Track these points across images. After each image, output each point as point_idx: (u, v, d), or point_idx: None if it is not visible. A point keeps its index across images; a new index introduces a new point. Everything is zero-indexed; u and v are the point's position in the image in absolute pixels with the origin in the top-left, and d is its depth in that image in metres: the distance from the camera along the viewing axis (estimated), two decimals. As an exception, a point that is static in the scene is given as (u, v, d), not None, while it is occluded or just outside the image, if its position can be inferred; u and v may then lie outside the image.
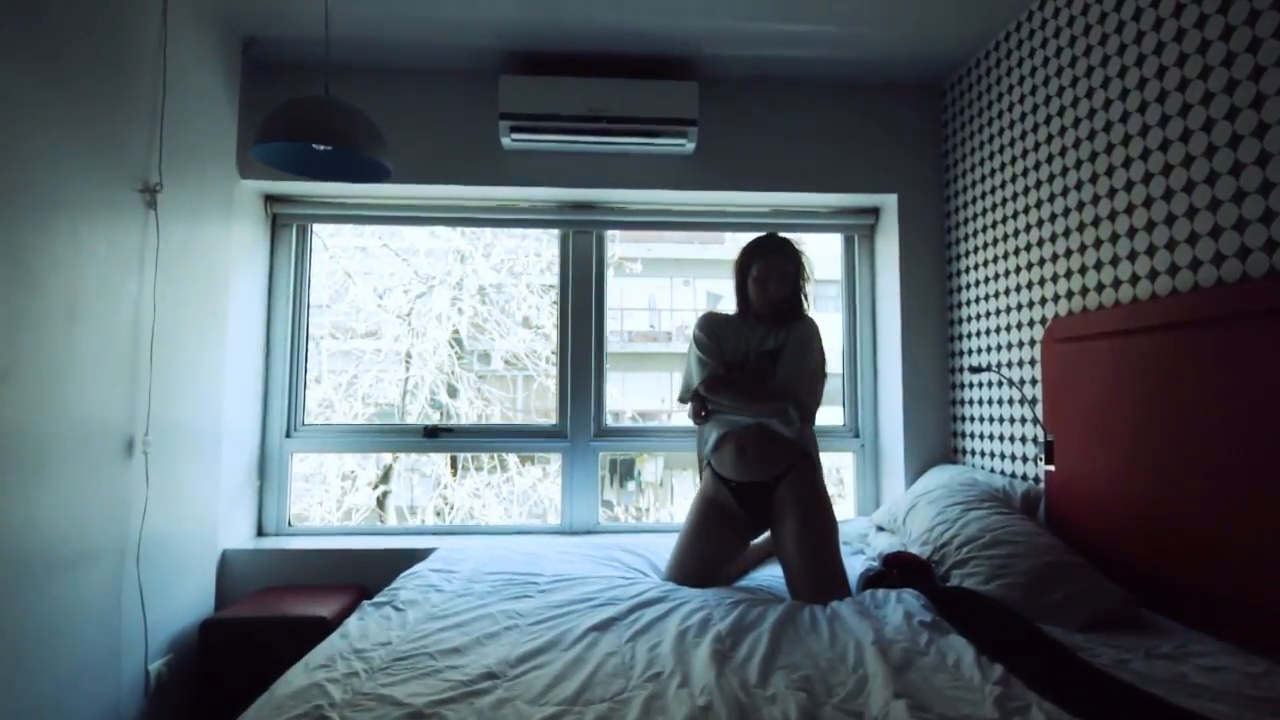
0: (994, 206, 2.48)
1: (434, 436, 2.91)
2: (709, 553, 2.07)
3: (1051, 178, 2.17)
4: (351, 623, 1.54)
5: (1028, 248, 2.29)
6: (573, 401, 2.92)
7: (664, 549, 2.37)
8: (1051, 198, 2.17)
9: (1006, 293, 2.39)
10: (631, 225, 2.95)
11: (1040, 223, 2.22)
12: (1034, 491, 2.17)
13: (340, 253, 5.41)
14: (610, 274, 2.98)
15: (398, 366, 5.51)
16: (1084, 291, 2.03)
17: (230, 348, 2.53)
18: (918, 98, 2.86)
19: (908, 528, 2.16)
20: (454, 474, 5.76)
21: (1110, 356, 1.87)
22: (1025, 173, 2.30)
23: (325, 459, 5.24)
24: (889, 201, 2.87)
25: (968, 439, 2.64)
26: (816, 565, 1.92)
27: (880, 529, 2.37)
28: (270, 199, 2.85)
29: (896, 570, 1.92)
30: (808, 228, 3.01)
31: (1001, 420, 2.41)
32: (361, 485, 5.51)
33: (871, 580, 1.96)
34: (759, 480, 2.03)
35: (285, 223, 2.90)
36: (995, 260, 2.47)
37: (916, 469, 2.73)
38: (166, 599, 2.18)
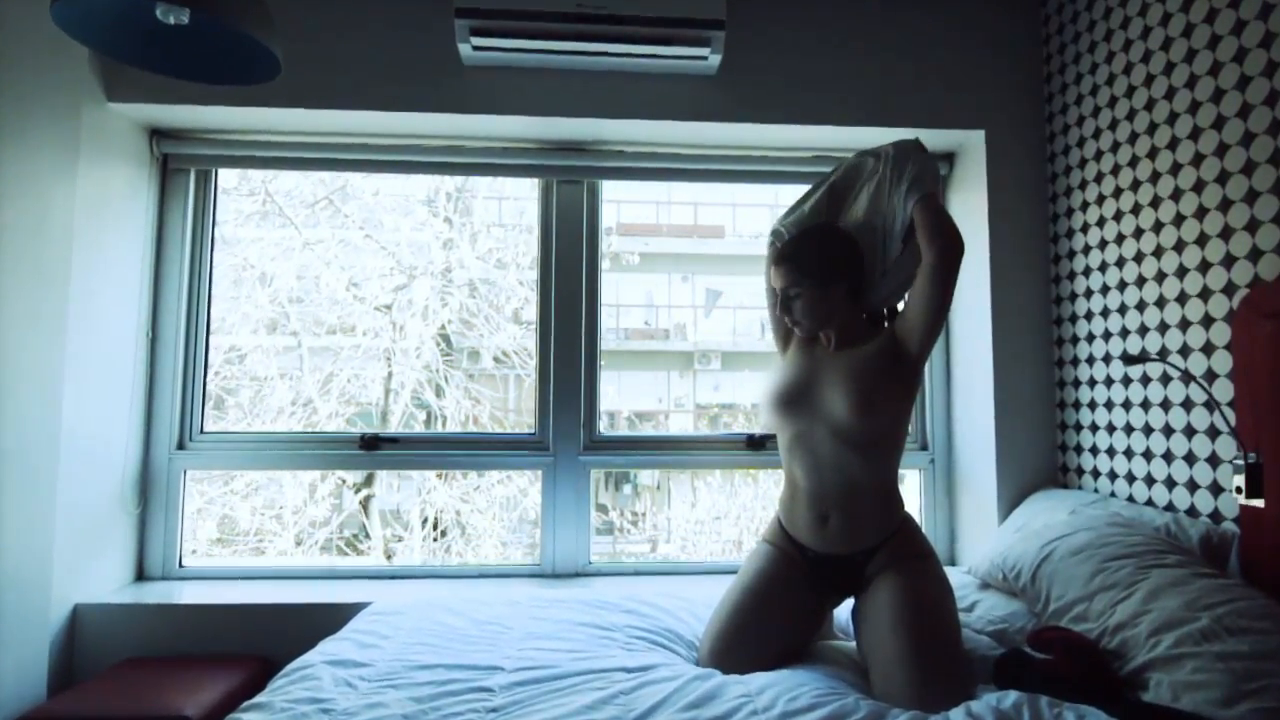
0: (1131, 138, 1.81)
1: (373, 449, 2.22)
2: (769, 635, 1.42)
3: (1245, 81, 1.50)
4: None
5: (1197, 187, 1.62)
6: (557, 404, 2.24)
7: (678, 604, 1.71)
8: (1245, 110, 1.50)
9: (1158, 253, 1.72)
10: (633, 173, 2.26)
11: (1222, 149, 1.55)
12: (1219, 534, 1.50)
13: (315, 241, 4.79)
14: (605, 264, 2.31)
15: (378, 364, 4.89)
16: (1314, 241, 1.37)
17: (76, 332, 1.83)
18: (1009, 4, 2.19)
19: (1041, 588, 1.48)
20: (440, 477, 5.18)
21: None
22: (1191, 83, 1.63)
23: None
24: (971, 141, 2.19)
25: (1086, 455, 1.96)
26: (918, 646, 1.27)
27: (986, 585, 1.69)
28: (157, 134, 2.15)
29: (1060, 655, 1.24)
30: (860, 180, 2.33)
31: (1150, 430, 1.73)
32: (326, 496, 4.87)
33: (1006, 667, 1.28)
34: (845, 554, 1.42)
35: (180, 166, 2.20)
36: (1136, 210, 1.79)
37: (1012, 495, 2.06)
38: (-50, 693, 1.48)
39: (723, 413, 6.77)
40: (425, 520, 4.82)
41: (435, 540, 4.72)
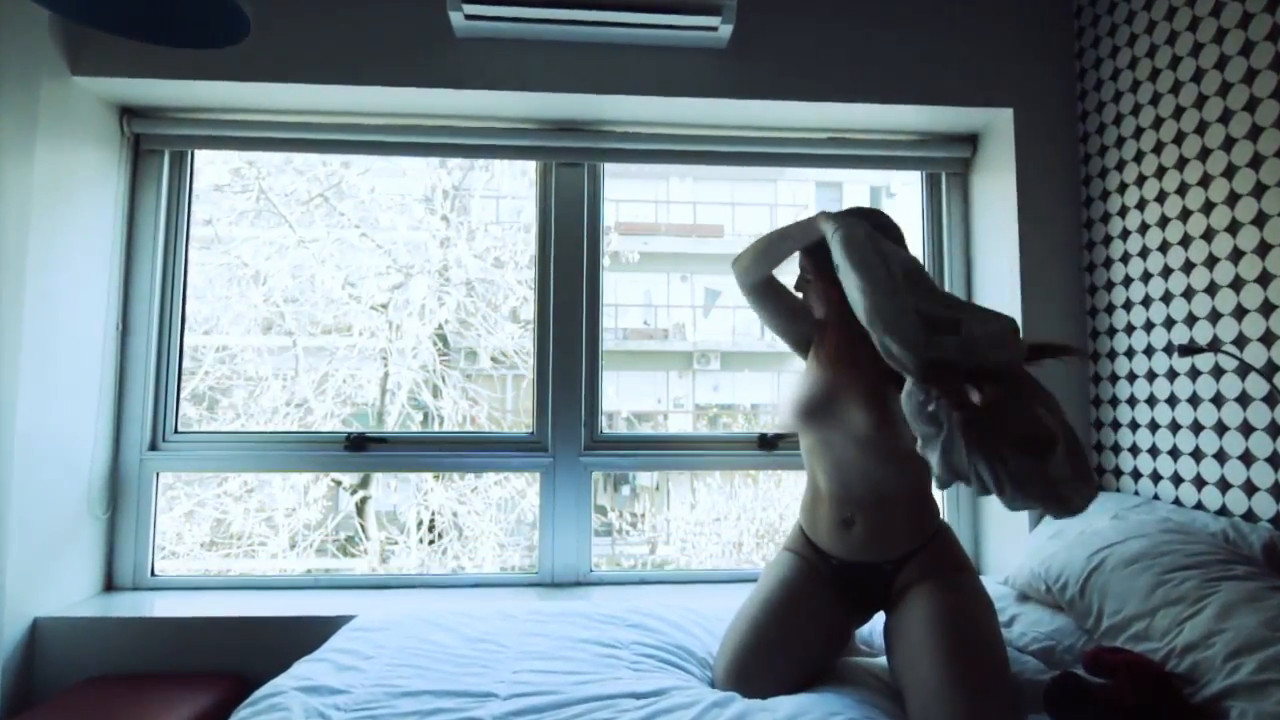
0: (1176, 113, 1.67)
1: (361, 449, 2.08)
2: (791, 653, 1.29)
3: (1311, 44, 1.37)
4: None
5: (1253, 163, 1.48)
6: (556, 400, 2.10)
7: (688, 617, 1.58)
8: (1312, 76, 1.37)
9: (1208, 235, 1.59)
10: (636, 155, 2.12)
11: (1284, 120, 1.42)
12: (1282, 541, 1.36)
13: (310, 240, 4.66)
14: (605, 261, 2.17)
15: (374, 364, 4.76)
16: (1395, 217, 1.23)
17: (34, 325, 1.69)
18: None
19: (1091, 601, 1.34)
20: (436, 478, 5.04)
21: None
22: (1247, 50, 1.49)
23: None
24: (998, 120, 2.06)
25: (1125, 455, 1.83)
26: (961, 672, 1.13)
27: (1025, 597, 1.55)
28: (129, 113, 2.01)
29: (1124, 681, 1.10)
30: (876, 162, 2.19)
31: (1200, 428, 1.60)
32: (320, 498, 4.74)
33: (1060, 694, 1.14)
34: (871, 562, 1.30)
35: (153, 147, 2.05)
36: (1182, 191, 1.66)
37: (1043, 497, 1.92)
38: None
39: (722, 413, 6.64)
40: (421, 523, 4.69)
41: (431, 543, 4.58)
